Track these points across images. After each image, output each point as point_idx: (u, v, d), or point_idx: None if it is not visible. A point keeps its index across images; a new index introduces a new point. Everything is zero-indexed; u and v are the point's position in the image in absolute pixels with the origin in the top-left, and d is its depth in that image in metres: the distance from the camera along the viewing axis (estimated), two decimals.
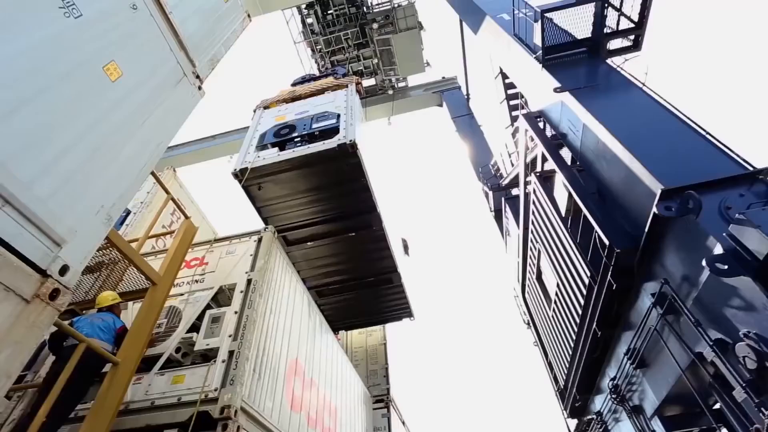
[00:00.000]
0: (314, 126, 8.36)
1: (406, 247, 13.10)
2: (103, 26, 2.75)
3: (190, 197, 11.14)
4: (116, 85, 2.76)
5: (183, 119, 3.63)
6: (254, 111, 10.25)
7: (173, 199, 5.29)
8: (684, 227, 4.02)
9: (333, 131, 8.02)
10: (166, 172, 10.52)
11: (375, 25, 16.31)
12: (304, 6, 16.23)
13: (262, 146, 8.32)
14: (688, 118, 5.09)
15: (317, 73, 15.77)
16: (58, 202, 2.20)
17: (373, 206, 8.49)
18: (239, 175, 7.65)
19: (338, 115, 8.45)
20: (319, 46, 17.35)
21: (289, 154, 7.70)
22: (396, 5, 16.36)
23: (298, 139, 8.17)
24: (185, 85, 3.65)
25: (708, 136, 4.77)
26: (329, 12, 16.55)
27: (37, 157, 2.12)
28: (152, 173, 4.54)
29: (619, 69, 6.59)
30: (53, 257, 2.16)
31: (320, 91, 10.21)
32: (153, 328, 4.36)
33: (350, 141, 7.37)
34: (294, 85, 12.59)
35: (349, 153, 7.42)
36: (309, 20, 16.83)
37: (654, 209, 4.12)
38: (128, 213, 9.02)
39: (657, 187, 4.15)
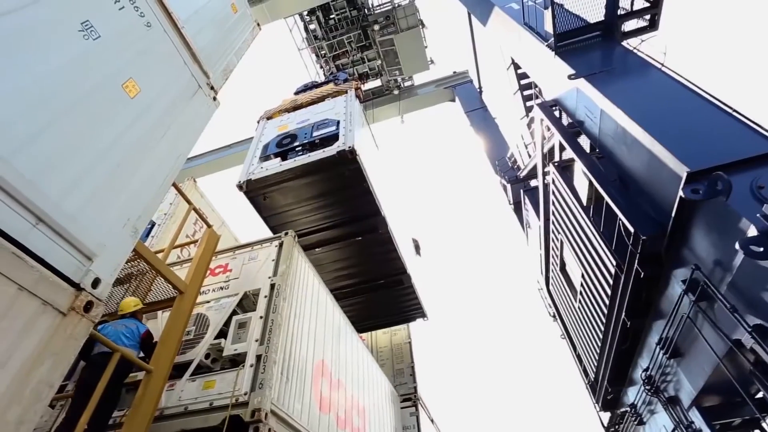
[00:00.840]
0: (315, 134, 8.44)
1: (417, 248, 13.04)
2: (119, 46, 2.84)
3: (211, 206, 11.38)
4: (135, 102, 2.85)
5: (200, 130, 3.72)
6: (258, 122, 10.38)
7: (195, 209, 5.41)
8: (713, 210, 3.87)
9: (333, 138, 8.09)
10: (187, 183, 10.79)
11: (376, 27, 16.28)
12: (306, 12, 16.35)
13: (265, 157, 8.44)
14: (713, 96, 4.89)
15: (322, 80, 15.85)
16: (86, 218, 2.29)
17: (377, 210, 8.52)
18: (243, 186, 7.82)
19: (338, 122, 8.49)
20: (323, 51, 17.46)
21: (291, 163, 7.81)
22: (396, 5, 16.29)
23: (300, 148, 8.27)
24: (201, 96, 3.74)
25: (734, 113, 4.57)
26: (331, 17, 16.62)
27: (65, 176, 2.21)
28: (174, 185, 4.67)
29: (635, 51, 6.39)
30: (85, 271, 2.24)
31: (321, 99, 10.25)
32: (182, 336, 4.47)
33: (349, 147, 7.43)
34: (296, 93, 12.66)
35: (348, 159, 7.46)
36: (312, 26, 16.96)
37: (680, 193, 3.98)
38: (153, 225, 9.29)
39: (682, 170, 4.01)
